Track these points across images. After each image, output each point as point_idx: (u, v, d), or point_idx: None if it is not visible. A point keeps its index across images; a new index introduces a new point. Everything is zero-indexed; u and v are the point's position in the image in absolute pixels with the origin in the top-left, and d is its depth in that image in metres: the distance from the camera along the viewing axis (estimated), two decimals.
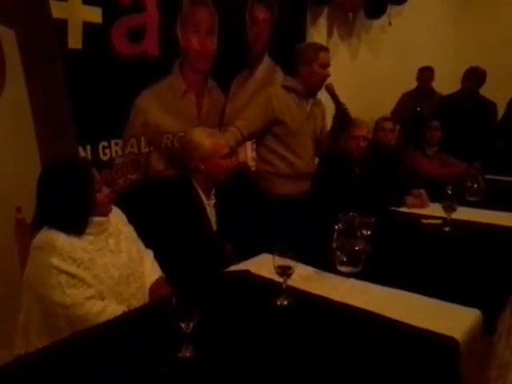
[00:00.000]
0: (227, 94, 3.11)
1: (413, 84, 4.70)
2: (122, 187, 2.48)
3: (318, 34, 3.95)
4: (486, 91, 4.32)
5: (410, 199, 2.89)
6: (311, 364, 1.30)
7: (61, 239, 1.58)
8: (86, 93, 2.28)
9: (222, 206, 2.28)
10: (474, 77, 4.26)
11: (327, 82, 2.77)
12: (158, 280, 1.89)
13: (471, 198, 2.97)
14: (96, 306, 1.59)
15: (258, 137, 2.79)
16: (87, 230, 1.67)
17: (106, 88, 2.38)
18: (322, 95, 2.90)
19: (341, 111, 2.74)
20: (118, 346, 1.37)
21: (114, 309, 1.61)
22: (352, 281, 1.79)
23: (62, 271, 1.56)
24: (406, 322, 1.48)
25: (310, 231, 2.35)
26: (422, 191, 2.95)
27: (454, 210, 2.43)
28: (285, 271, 1.58)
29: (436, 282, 1.82)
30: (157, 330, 1.43)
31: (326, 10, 4.03)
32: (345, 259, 1.84)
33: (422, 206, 2.87)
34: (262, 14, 3.24)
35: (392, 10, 4.57)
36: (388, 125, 3.44)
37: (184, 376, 1.24)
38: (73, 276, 1.57)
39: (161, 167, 2.71)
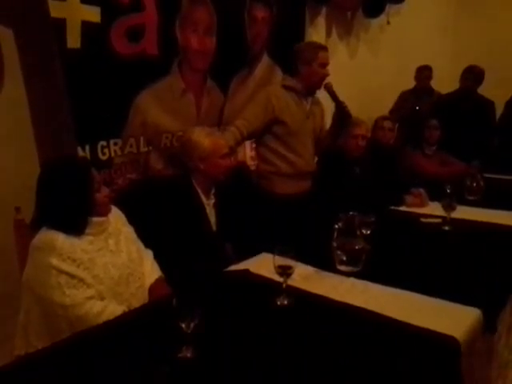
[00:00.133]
0: (226, 93, 3.11)
1: (411, 83, 4.70)
2: (121, 187, 2.47)
3: (316, 33, 3.95)
4: (484, 90, 4.32)
5: (409, 198, 2.89)
6: (311, 364, 1.30)
7: (60, 239, 1.58)
8: (84, 92, 2.28)
9: (222, 206, 2.27)
10: (473, 76, 4.26)
11: (326, 81, 2.78)
12: (157, 280, 1.88)
13: (470, 197, 2.97)
14: (96, 307, 1.59)
15: (258, 136, 2.79)
16: (87, 231, 1.67)
17: (105, 88, 2.37)
18: (321, 94, 2.90)
19: (341, 110, 2.74)
20: (118, 346, 1.37)
21: (113, 309, 1.61)
22: (352, 280, 1.79)
23: (61, 271, 1.55)
24: (406, 322, 1.48)
25: (311, 230, 2.35)
26: (422, 190, 2.95)
27: (454, 208, 2.43)
28: (285, 271, 1.58)
29: (436, 281, 1.82)
30: (157, 330, 1.42)
31: (324, 10, 4.04)
32: (345, 258, 1.83)
33: (422, 204, 2.87)
34: (260, 12, 3.23)
35: (390, 9, 4.57)
36: (387, 124, 3.44)
37: (184, 376, 1.24)
38: (72, 276, 1.57)
39: (160, 167, 2.70)
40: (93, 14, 2.28)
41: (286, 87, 2.76)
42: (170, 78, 2.70)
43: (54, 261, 1.55)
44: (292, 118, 2.71)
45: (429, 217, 2.60)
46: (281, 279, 1.61)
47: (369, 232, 2.02)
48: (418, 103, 4.60)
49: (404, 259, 2.05)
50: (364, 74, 4.48)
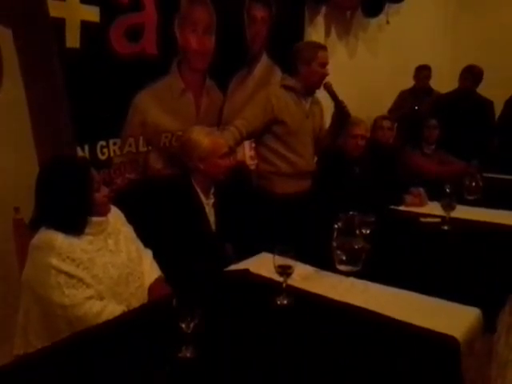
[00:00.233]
0: (225, 93, 3.10)
1: (411, 82, 4.70)
2: (120, 187, 2.47)
3: (315, 32, 3.95)
4: (483, 90, 4.33)
5: (408, 198, 2.89)
6: (311, 364, 1.30)
7: (59, 239, 1.58)
8: (83, 92, 2.27)
9: (221, 206, 2.27)
10: (471, 75, 4.27)
11: (325, 80, 2.78)
12: (157, 280, 1.88)
13: (469, 197, 2.97)
14: (95, 306, 1.59)
15: (257, 136, 2.79)
16: (86, 230, 1.67)
17: (104, 87, 2.37)
18: (321, 94, 2.90)
19: (340, 109, 2.74)
20: (118, 346, 1.37)
21: (113, 309, 1.61)
22: (352, 280, 1.79)
23: (60, 271, 1.55)
24: (406, 321, 1.48)
25: (310, 230, 2.35)
26: (421, 190, 2.95)
27: (453, 208, 2.43)
28: (285, 270, 1.58)
29: (435, 281, 1.82)
30: (157, 330, 1.42)
31: (323, 9, 4.03)
32: (344, 258, 1.83)
33: (421, 204, 2.87)
34: (260, 12, 3.23)
35: (390, 8, 4.57)
36: (386, 123, 3.45)
37: (184, 376, 1.24)
38: (72, 276, 1.57)
39: (159, 166, 2.70)
40: (92, 14, 2.27)
41: (285, 87, 2.76)
42: (169, 77, 2.70)
43: (54, 260, 1.55)
44: (291, 117, 2.71)
45: (428, 216, 2.60)
46: (281, 279, 1.61)
47: (368, 232, 2.02)
48: (417, 103, 4.60)
49: (403, 259, 2.05)
50: (363, 74, 4.48)
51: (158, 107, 2.65)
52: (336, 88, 2.82)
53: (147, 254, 1.95)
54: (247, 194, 2.71)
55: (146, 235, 2.00)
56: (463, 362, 1.40)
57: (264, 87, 3.15)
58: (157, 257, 1.98)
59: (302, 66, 2.74)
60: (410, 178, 3.28)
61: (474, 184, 2.99)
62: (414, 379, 1.27)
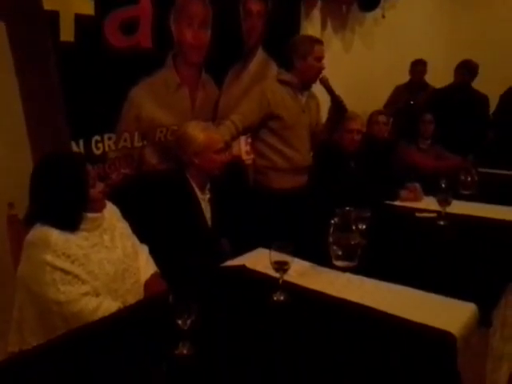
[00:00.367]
0: (221, 87, 3.09)
1: (406, 77, 4.71)
2: (115, 182, 2.45)
3: (311, 26, 3.93)
4: (478, 84, 4.33)
5: (404, 193, 2.89)
6: (308, 360, 1.29)
7: (54, 235, 1.56)
8: (78, 86, 2.26)
9: (217, 201, 2.26)
10: (467, 70, 4.27)
11: (322, 74, 2.77)
12: (153, 275, 1.87)
13: (465, 192, 2.97)
14: (91, 303, 1.58)
15: (253, 131, 2.77)
16: (81, 226, 1.65)
17: (99, 81, 2.35)
18: (317, 88, 2.89)
19: (337, 103, 2.73)
20: (114, 343, 1.36)
21: (109, 305, 1.60)
22: (348, 275, 1.79)
23: (56, 268, 1.54)
24: (402, 317, 1.48)
25: (307, 225, 2.35)
26: (417, 185, 2.95)
27: (449, 203, 2.43)
28: (281, 266, 1.57)
29: (431, 276, 1.82)
30: (153, 327, 1.42)
31: (319, 3, 4.02)
32: (341, 254, 1.83)
33: (416, 199, 2.87)
34: (256, 6, 3.21)
35: (385, 2, 4.56)
36: (382, 118, 3.45)
37: (181, 373, 1.23)
38: (67, 273, 1.56)
39: (154, 161, 2.69)
40: (86, 7, 2.25)
41: (281, 81, 2.74)
42: (164, 71, 2.68)
43: (49, 257, 1.54)
44: (288, 112, 2.70)
45: (424, 211, 2.60)
46: (277, 275, 1.60)
47: (364, 227, 2.02)
48: (413, 97, 4.60)
49: (399, 254, 2.05)
50: (359, 68, 4.47)
51: (153, 101, 2.63)
52: (332, 82, 2.81)
53: (143, 250, 1.94)
54: (243, 190, 2.71)
55: (142, 231, 1.99)
56: (459, 357, 1.41)
57: (260, 82, 3.13)
58: (153, 252, 1.97)
59: (297, 61, 2.73)
60: (405, 173, 3.28)
61: (469, 179, 2.99)
62: (410, 375, 1.27)
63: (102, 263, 1.66)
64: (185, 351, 1.27)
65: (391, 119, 3.74)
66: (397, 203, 2.82)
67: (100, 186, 1.72)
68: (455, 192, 2.72)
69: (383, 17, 4.60)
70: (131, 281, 1.77)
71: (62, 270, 1.55)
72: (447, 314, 1.51)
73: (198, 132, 2.19)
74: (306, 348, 1.35)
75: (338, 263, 1.84)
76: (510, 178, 3.46)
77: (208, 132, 2.22)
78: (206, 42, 2.87)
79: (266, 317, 1.51)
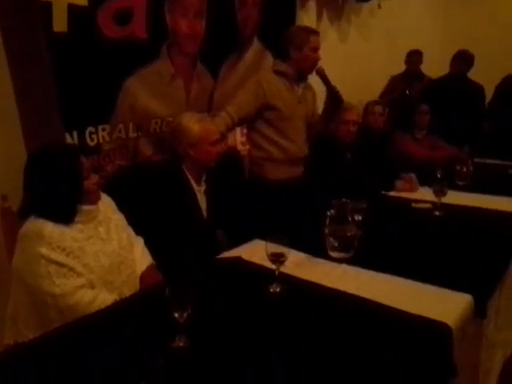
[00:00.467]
0: (216, 77, 3.06)
1: (402, 67, 4.69)
2: (109, 173, 2.44)
3: (307, 16, 3.90)
4: (474, 74, 4.32)
5: (399, 183, 2.89)
6: (305, 352, 1.30)
7: (49, 228, 1.56)
8: (71, 77, 2.23)
9: (213, 193, 2.25)
10: (463, 60, 4.26)
11: (318, 65, 2.75)
12: (148, 267, 1.87)
13: (460, 182, 2.98)
14: (87, 295, 1.57)
15: (249, 122, 2.76)
16: (76, 219, 1.64)
17: (93, 72, 2.33)
18: (313, 79, 2.88)
19: (333, 94, 2.72)
20: (110, 336, 1.36)
21: (104, 298, 1.60)
22: (344, 266, 1.79)
23: (50, 261, 1.53)
24: (398, 308, 1.48)
25: (303, 216, 2.34)
26: (412, 175, 2.95)
27: (445, 194, 2.43)
28: (278, 258, 1.57)
29: (427, 267, 1.83)
30: (149, 320, 1.41)
31: None
32: (337, 245, 1.83)
33: (412, 189, 2.87)
34: None
35: None
36: (377, 109, 3.44)
37: (178, 366, 1.23)
38: (62, 265, 1.55)
39: (149, 153, 2.67)
40: None
41: (277, 72, 2.73)
42: (159, 62, 2.65)
43: (43, 250, 1.53)
44: (284, 103, 2.69)
45: (420, 202, 2.61)
46: (273, 266, 1.60)
47: (360, 218, 2.02)
48: (408, 87, 4.59)
49: (395, 245, 2.06)
50: (355, 58, 4.45)
51: (147, 92, 2.60)
52: (328, 72, 2.80)
53: (138, 242, 1.93)
54: (239, 181, 2.70)
55: (137, 222, 1.98)
56: (455, 347, 1.41)
57: (255, 72, 3.12)
58: (148, 244, 1.96)
59: (293, 51, 2.71)
60: (400, 163, 3.27)
61: (464, 169, 3.00)
62: (406, 366, 1.27)
63: (98, 255, 1.65)
64: (181, 344, 1.27)
65: (387, 109, 3.73)
66: (393, 194, 2.82)
67: (94, 178, 1.71)
68: (451, 182, 2.72)
69: (379, 7, 4.57)
70: (127, 273, 1.76)
71: (57, 263, 1.54)
72: (443, 305, 1.52)
73: (193, 123, 2.18)
74: (303, 340, 1.35)
75: (334, 254, 1.84)
76: (504, 168, 3.47)
77: (203, 123, 2.20)
78: (201, 32, 2.85)
79: (262, 309, 1.51)
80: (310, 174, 2.81)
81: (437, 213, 2.41)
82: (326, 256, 1.85)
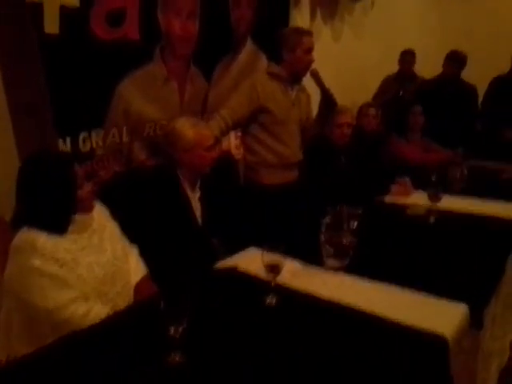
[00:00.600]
0: (210, 79, 3.04)
1: (396, 67, 4.68)
2: (103, 179, 2.41)
3: (300, 16, 3.88)
4: (468, 74, 4.32)
5: (394, 187, 2.88)
6: (302, 365, 1.29)
7: (42, 239, 1.53)
8: (64, 81, 2.20)
9: (208, 199, 2.23)
10: (455, 61, 4.25)
11: (312, 67, 2.73)
12: (143, 278, 1.85)
13: (454, 186, 2.97)
14: (80, 309, 1.55)
15: (243, 125, 2.74)
16: (70, 228, 1.62)
17: (86, 75, 2.30)
18: (307, 81, 2.86)
19: (327, 97, 2.71)
20: (105, 351, 1.34)
21: (98, 311, 1.57)
22: (341, 276, 1.78)
23: (44, 273, 1.51)
24: (395, 320, 1.47)
25: (298, 221, 2.33)
26: (406, 179, 2.95)
27: (439, 199, 2.43)
28: (273, 270, 1.55)
29: (422, 274, 1.82)
30: (144, 335, 1.39)
31: None
32: (333, 253, 1.82)
33: (406, 193, 2.87)
34: None
35: None
36: (371, 111, 3.42)
37: (173, 381, 1.22)
38: (55, 277, 1.53)
39: (143, 157, 2.64)
40: None
41: (271, 75, 2.71)
42: (152, 64, 2.63)
43: (37, 262, 1.50)
44: (277, 106, 2.67)
45: (414, 208, 2.60)
46: (269, 277, 1.59)
47: (356, 224, 2.01)
48: (401, 88, 4.58)
49: (390, 252, 2.05)
50: (348, 58, 4.44)
51: (141, 96, 2.58)
52: (321, 72, 2.79)
53: (133, 251, 1.91)
54: (234, 186, 2.68)
55: (131, 230, 1.96)
56: (452, 358, 1.41)
57: (249, 74, 3.10)
58: (143, 252, 1.94)
59: (286, 53, 2.69)
60: (394, 166, 3.27)
61: (459, 173, 3.00)
62: (403, 378, 1.27)
63: (91, 266, 1.63)
64: (177, 359, 1.25)
65: (380, 111, 3.72)
66: (387, 199, 2.81)
67: (88, 187, 1.68)
68: (445, 186, 2.72)
69: (372, 6, 4.56)
70: (121, 283, 1.74)
71: (50, 275, 1.51)
72: (439, 315, 1.51)
73: (187, 128, 2.15)
74: (299, 353, 1.34)
75: (330, 262, 1.83)
76: (499, 172, 3.48)
77: (198, 128, 2.17)
78: (195, 34, 2.82)
79: (259, 322, 1.49)
80: (305, 178, 2.79)
81: (432, 219, 2.41)
82: (321, 262, 1.84)
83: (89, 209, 1.70)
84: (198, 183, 2.21)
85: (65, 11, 2.18)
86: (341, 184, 2.59)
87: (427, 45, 5.15)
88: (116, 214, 1.90)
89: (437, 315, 1.52)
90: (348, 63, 4.41)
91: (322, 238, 1.84)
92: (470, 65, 4.27)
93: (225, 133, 2.68)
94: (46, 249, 1.52)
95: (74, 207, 1.62)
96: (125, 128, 2.52)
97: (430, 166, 3.22)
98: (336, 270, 1.81)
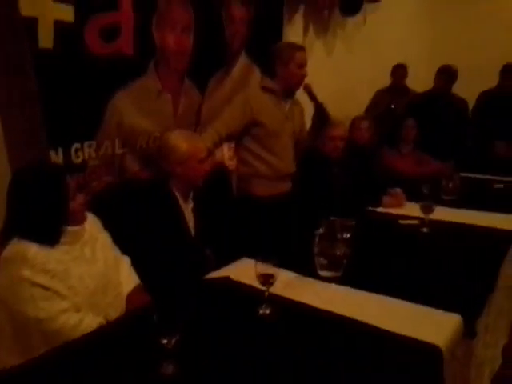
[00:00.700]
0: (204, 93, 3.06)
1: (388, 81, 4.73)
2: (95, 190, 2.40)
3: (293, 31, 3.93)
4: (459, 88, 4.37)
5: (386, 198, 2.90)
6: (296, 376, 1.28)
7: (33, 250, 1.52)
8: (57, 94, 2.20)
9: (201, 210, 2.23)
10: (447, 75, 4.31)
11: (305, 82, 2.76)
12: (135, 288, 1.84)
13: (447, 197, 2.99)
14: (72, 319, 1.54)
15: (236, 138, 2.75)
16: (61, 240, 1.61)
17: (79, 89, 2.31)
18: (300, 95, 2.89)
19: (320, 111, 2.73)
20: (96, 362, 1.32)
21: (90, 321, 1.56)
22: (334, 287, 1.78)
23: (34, 284, 1.50)
24: (389, 330, 1.47)
25: (291, 233, 2.33)
26: (399, 190, 2.97)
27: (432, 210, 2.44)
28: (267, 280, 1.55)
29: (415, 285, 1.83)
30: (136, 345, 1.38)
31: (301, 8, 4.01)
32: (326, 264, 1.82)
33: (399, 205, 2.88)
34: (239, 12, 3.19)
35: (367, 7, 4.59)
36: (364, 124, 3.46)
37: None
38: (46, 288, 1.52)
39: (136, 168, 2.64)
40: (66, 13, 2.20)
41: (264, 89, 2.73)
42: (146, 78, 2.64)
43: (27, 273, 1.49)
44: (270, 119, 2.68)
45: (407, 218, 2.61)
46: (263, 287, 1.58)
47: (349, 236, 2.01)
48: (393, 101, 4.63)
49: (383, 263, 2.05)
50: (341, 72, 4.49)
51: (134, 108, 2.58)
52: (314, 86, 2.81)
53: (125, 262, 1.90)
54: (227, 197, 2.68)
55: (123, 241, 1.95)
56: (445, 369, 1.41)
57: (243, 87, 3.12)
58: (135, 263, 1.93)
59: (279, 67, 2.72)
60: (387, 178, 3.29)
61: (451, 185, 3.02)
62: None
63: (83, 277, 1.62)
64: (169, 371, 1.24)
65: (373, 124, 3.75)
66: (380, 210, 2.82)
67: (80, 199, 1.68)
68: (437, 197, 2.74)
69: (365, 21, 4.62)
70: (113, 294, 1.73)
71: (41, 286, 1.51)
72: (433, 326, 1.51)
73: (180, 141, 2.16)
74: (294, 363, 1.33)
75: (324, 273, 1.83)
76: (490, 183, 3.51)
77: (191, 141, 2.18)
78: (189, 48, 2.84)
79: (252, 333, 1.48)
80: (298, 190, 2.80)
81: (424, 230, 2.42)
82: (315, 274, 1.84)
83: (81, 220, 1.70)
84: (191, 194, 2.22)
85: (59, 26, 2.19)
86: (333, 196, 2.61)
87: (419, 59, 5.22)
88: (109, 225, 1.90)
89: (431, 325, 1.52)
90: (340, 77, 4.46)
91: (316, 249, 1.84)
92: (461, 79, 4.33)
93: (218, 145, 2.70)
94: (37, 259, 1.51)
95: (65, 219, 1.62)
96: (117, 140, 2.53)
97: (423, 178, 3.24)
98: (329, 280, 1.81)
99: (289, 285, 1.77)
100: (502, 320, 2.33)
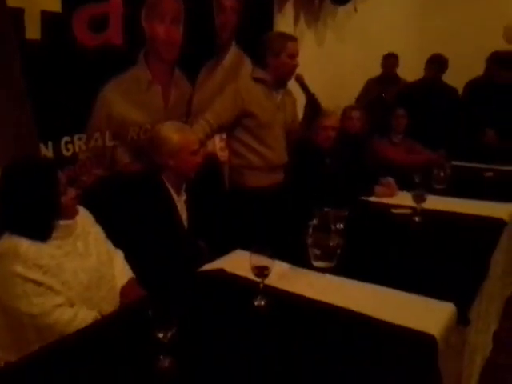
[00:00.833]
0: (194, 83, 3.03)
1: (379, 70, 4.73)
2: (86, 184, 2.38)
3: (284, 20, 3.90)
4: (450, 77, 4.38)
5: (378, 188, 2.91)
6: (291, 367, 1.28)
7: (25, 246, 1.50)
8: (46, 86, 2.17)
9: (193, 202, 2.22)
10: (437, 64, 4.30)
11: (296, 72, 2.75)
12: (129, 282, 1.83)
13: (438, 186, 3.00)
14: (66, 314, 1.53)
15: (228, 129, 2.74)
16: (53, 235, 1.59)
17: (68, 80, 2.27)
18: (292, 86, 2.87)
19: (311, 101, 2.72)
20: (91, 358, 1.32)
21: (84, 316, 1.56)
22: (328, 277, 1.78)
23: (27, 280, 1.48)
24: (383, 320, 1.48)
25: (284, 223, 2.33)
26: (391, 179, 2.98)
27: (424, 200, 2.45)
28: (262, 272, 1.55)
29: (408, 274, 1.84)
30: (132, 340, 1.38)
31: None
32: (320, 254, 1.82)
33: (391, 194, 2.89)
34: (229, 1, 3.16)
35: None
36: (355, 114, 3.44)
37: None
38: (39, 284, 1.50)
39: (127, 160, 2.62)
40: (53, 3, 2.16)
41: (255, 79, 2.71)
42: (136, 69, 2.61)
43: (19, 268, 1.48)
44: (262, 110, 2.67)
45: (399, 208, 2.62)
46: (257, 279, 1.58)
47: (342, 226, 2.02)
48: (384, 91, 4.62)
49: (377, 252, 2.06)
50: (332, 61, 4.48)
51: (124, 100, 2.56)
52: (305, 76, 2.80)
53: (118, 255, 1.89)
54: (219, 189, 2.67)
55: (116, 234, 1.94)
56: (440, 357, 1.42)
57: (234, 78, 3.10)
58: (129, 257, 1.92)
59: (271, 58, 2.69)
60: (378, 168, 3.29)
61: (442, 173, 3.03)
62: (392, 377, 1.27)
63: (76, 272, 1.61)
64: (166, 365, 1.24)
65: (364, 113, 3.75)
66: (372, 199, 2.83)
67: (71, 193, 1.66)
68: (428, 186, 2.75)
69: (355, 10, 4.60)
70: (106, 288, 1.72)
71: (34, 282, 1.49)
72: (427, 315, 1.52)
73: (172, 133, 2.14)
74: (290, 355, 1.33)
75: (317, 264, 1.83)
76: (482, 171, 3.53)
77: (183, 133, 2.17)
78: (179, 38, 2.81)
79: (248, 324, 1.48)
80: (290, 181, 2.80)
81: (416, 219, 2.43)
82: (308, 265, 1.84)
83: (73, 215, 1.68)
84: (184, 186, 2.21)
85: (46, 16, 2.16)
86: (326, 186, 2.60)
87: (409, 48, 5.22)
88: (101, 219, 1.88)
89: (425, 314, 1.53)
90: (331, 67, 4.44)
91: (309, 240, 1.83)
92: (451, 68, 4.33)
93: (209, 136, 2.68)
94: (29, 255, 1.50)
95: (57, 214, 1.60)
96: (108, 132, 2.50)
97: (414, 167, 3.25)
98: (323, 271, 1.81)
99: (283, 276, 1.77)
100: (492, 306, 2.36)
